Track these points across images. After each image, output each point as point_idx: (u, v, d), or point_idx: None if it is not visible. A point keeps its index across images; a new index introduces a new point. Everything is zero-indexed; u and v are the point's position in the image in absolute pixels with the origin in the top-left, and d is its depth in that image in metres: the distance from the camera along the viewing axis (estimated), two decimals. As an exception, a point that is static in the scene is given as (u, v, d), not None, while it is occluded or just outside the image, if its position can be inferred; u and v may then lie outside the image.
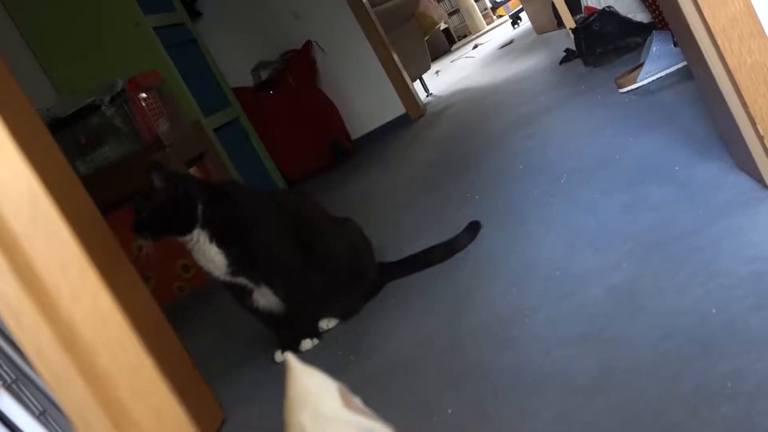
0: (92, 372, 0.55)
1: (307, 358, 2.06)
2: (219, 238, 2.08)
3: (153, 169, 2.07)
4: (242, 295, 2.18)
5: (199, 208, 2.07)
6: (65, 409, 0.54)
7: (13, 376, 1.44)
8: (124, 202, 3.78)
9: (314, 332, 2.21)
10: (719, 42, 1.42)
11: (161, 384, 0.59)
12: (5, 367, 1.45)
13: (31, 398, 1.45)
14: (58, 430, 1.41)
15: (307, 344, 2.17)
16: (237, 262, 2.10)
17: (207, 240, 2.08)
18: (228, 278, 2.14)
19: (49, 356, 0.53)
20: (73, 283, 0.53)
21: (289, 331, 2.21)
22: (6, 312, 0.50)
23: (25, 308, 0.51)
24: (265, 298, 2.16)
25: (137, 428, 0.56)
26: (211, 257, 2.10)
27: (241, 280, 2.14)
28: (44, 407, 1.44)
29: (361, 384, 1.72)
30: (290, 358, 0.93)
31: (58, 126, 3.82)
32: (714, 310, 1.29)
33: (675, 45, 2.74)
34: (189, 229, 2.07)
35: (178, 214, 2.07)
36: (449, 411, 1.43)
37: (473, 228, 2.30)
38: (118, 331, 0.56)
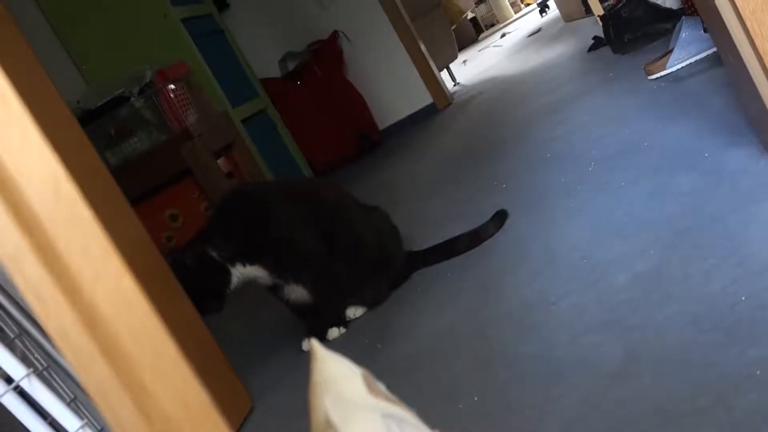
0: (115, 354, 0.55)
1: (334, 346, 2.07)
2: (251, 258, 2.14)
3: (167, 256, 2.11)
4: (275, 290, 2.22)
5: (215, 254, 2.12)
6: (88, 391, 0.55)
7: (45, 364, 1.46)
8: (153, 193, 3.82)
9: (341, 321, 2.21)
10: (749, 26, 1.40)
11: (184, 366, 0.59)
12: (37, 355, 1.47)
13: (62, 385, 1.47)
14: (89, 416, 1.43)
15: (334, 333, 2.18)
16: (275, 268, 2.15)
17: (243, 267, 2.14)
18: (271, 283, 2.19)
19: (72, 338, 0.53)
20: (95, 265, 0.53)
21: (317, 320, 2.22)
22: (29, 293, 0.51)
23: (49, 289, 0.52)
24: (296, 292, 2.19)
25: (160, 410, 0.57)
26: (255, 275, 2.16)
27: (277, 281, 2.18)
28: (75, 394, 1.46)
29: (387, 371, 1.72)
30: (315, 344, 0.93)
31: (88, 118, 3.85)
32: (743, 297, 1.27)
33: (705, 31, 2.71)
34: (228, 281, 2.13)
35: (206, 280, 2.13)
36: (475, 398, 1.43)
37: (500, 217, 2.29)
38: (140, 314, 0.56)
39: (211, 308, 2.12)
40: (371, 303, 2.26)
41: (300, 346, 2.21)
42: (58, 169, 0.52)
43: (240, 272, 2.14)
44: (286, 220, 2.16)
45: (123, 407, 0.56)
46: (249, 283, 2.20)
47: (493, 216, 2.30)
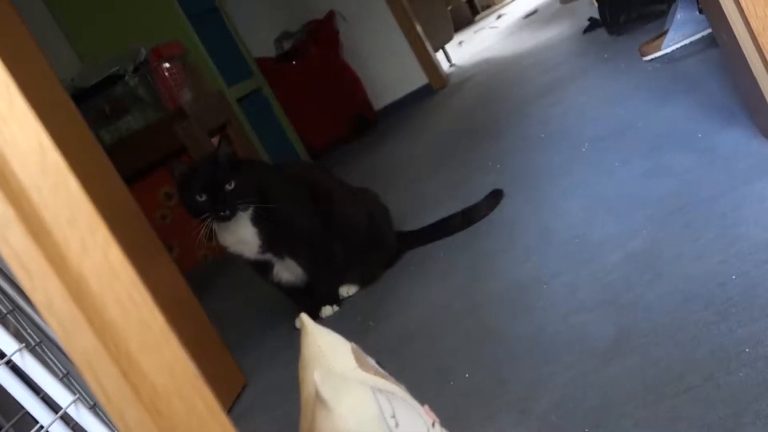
0: (102, 325, 0.55)
1: (327, 324, 2.05)
2: (256, 218, 2.09)
3: (221, 140, 2.06)
4: (264, 270, 2.20)
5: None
6: (75, 362, 0.55)
7: (37, 339, 1.46)
8: (148, 171, 3.81)
9: (334, 299, 2.22)
10: (744, 5, 1.40)
11: (172, 338, 0.59)
12: (29, 330, 1.47)
13: (55, 360, 1.47)
14: (81, 391, 1.43)
15: (327, 311, 2.19)
16: (268, 240, 2.11)
17: (248, 220, 2.08)
18: (258, 257, 2.15)
19: (58, 308, 0.53)
20: (82, 236, 0.53)
21: (310, 298, 2.22)
22: (15, 263, 0.51)
23: (34, 260, 0.52)
24: (289, 271, 2.19)
25: (147, 381, 0.57)
26: (246, 238, 2.10)
27: (268, 257, 2.15)
28: (67, 369, 1.46)
29: (380, 349, 1.73)
30: (305, 318, 0.93)
31: (82, 96, 3.83)
32: (734, 276, 1.28)
33: (700, 12, 2.70)
34: (237, 208, 2.04)
35: (254, 185, 2.07)
36: (466, 375, 1.44)
37: (494, 196, 2.29)
38: (128, 285, 0.56)
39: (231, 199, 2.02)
40: (364, 281, 2.27)
41: (293, 324, 2.21)
42: (44, 138, 0.52)
43: (243, 216, 2.07)
44: (286, 194, 2.16)
45: (110, 378, 0.56)
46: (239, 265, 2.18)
47: (488, 195, 2.30)
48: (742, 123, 1.81)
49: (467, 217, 2.27)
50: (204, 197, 2.00)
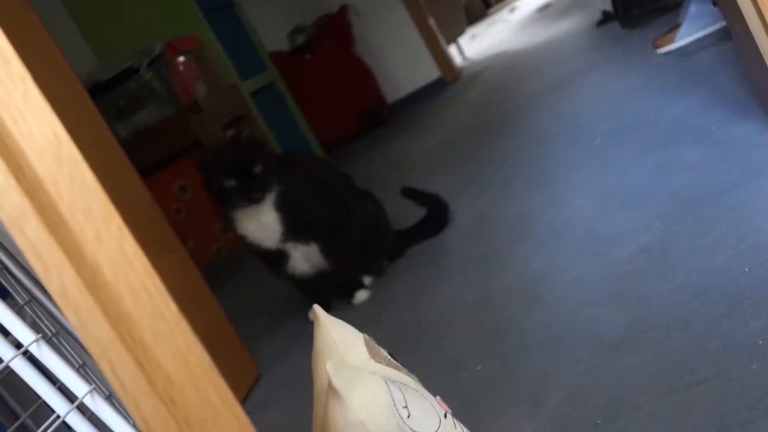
0: (117, 314, 0.56)
1: (340, 316, 2.07)
2: (279, 203, 2.06)
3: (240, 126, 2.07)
4: (278, 262, 2.18)
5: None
6: (90, 352, 0.56)
7: (54, 330, 1.48)
8: (163, 165, 3.83)
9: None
10: (758, -3, 1.40)
11: (186, 328, 0.60)
12: (46, 321, 1.49)
13: (71, 351, 1.48)
14: (97, 382, 1.44)
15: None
16: (290, 226, 2.09)
17: (272, 205, 2.06)
18: (278, 246, 2.13)
19: (73, 298, 0.54)
20: (97, 226, 0.54)
21: (324, 290, 2.23)
22: (31, 253, 0.52)
23: (50, 250, 0.52)
24: (306, 261, 2.17)
25: (161, 370, 0.58)
26: (268, 225, 2.08)
27: (288, 246, 2.13)
28: (84, 360, 1.47)
29: (392, 341, 1.72)
30: (318, 309, 0.94)
31: (98, 90, 3.85)
32: (747, 269, 1.28)
33: (714, 5, 2.68)
34: (264, 191, 2.03)
35: (278, 167, 2.06)
36: (478, 367, 1.45)
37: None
38: (142, 275, 0.57)
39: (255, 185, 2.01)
40: (377, 272, 2.28)
41: (307, 316, 2.22)
42: (60, 130, 0.52)
43: (262, 206, 2.05)
44: (306, 179, 2.16)
45: (125, 368, 0.57)
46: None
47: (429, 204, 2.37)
48: (755, 115, 1.81)
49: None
50: (233, 182, 1.99)
